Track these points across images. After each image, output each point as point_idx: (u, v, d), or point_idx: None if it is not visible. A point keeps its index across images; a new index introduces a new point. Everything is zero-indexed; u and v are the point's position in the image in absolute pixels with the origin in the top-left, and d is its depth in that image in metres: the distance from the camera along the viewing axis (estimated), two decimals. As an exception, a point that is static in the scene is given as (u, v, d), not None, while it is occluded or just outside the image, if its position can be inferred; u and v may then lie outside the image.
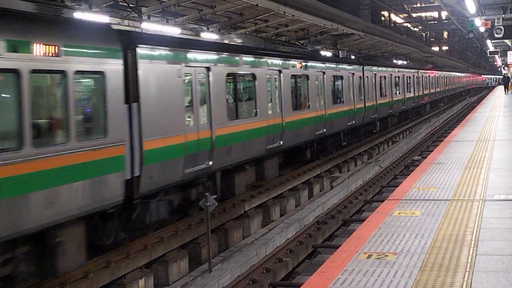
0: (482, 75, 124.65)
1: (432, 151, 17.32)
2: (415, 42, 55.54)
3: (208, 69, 12.81)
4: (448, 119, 39.95)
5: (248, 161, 14.96)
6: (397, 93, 33.59)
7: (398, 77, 33.98)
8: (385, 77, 30.52)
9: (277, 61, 16.79)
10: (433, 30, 78.75)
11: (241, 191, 15.08)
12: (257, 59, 15.45)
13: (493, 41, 36.56)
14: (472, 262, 6.00)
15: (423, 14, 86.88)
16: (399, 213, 8.29)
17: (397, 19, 74.20)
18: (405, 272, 5.82)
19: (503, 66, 72.47)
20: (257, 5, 20.18)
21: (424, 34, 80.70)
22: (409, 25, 75.14)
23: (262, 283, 9.78)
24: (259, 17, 22.91)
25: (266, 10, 21.58)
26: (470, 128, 21.04)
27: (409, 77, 37.37)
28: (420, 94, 41.47)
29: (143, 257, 10.58)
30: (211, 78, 12.90)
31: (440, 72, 54.58)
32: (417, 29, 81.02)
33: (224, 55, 13.76)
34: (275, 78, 16.61)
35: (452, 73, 65.76)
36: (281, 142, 16.53)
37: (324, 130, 20.36)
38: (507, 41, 36.86)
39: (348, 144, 24.70)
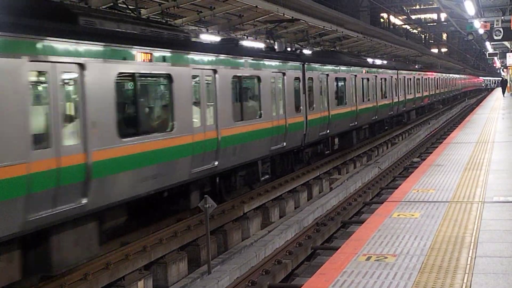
0: (480, 77, 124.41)
1: (431, 153, 17.35)
2: (414, 44, 55.60)
3: None
4: (447, 121, 39.98)
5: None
6: (366, 100, 26.34)
7: (367, 79, 26.77)
8: (344, 78, 23.08)
9: (77, 48, 8.95)
10: (432, 32, 78.84)
11: None
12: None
13: (492, 43, 36.64)
14: (472, 264, 6.00)
15: (422, 16, 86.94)
16: (399, 215, 8.30)
17: (396, 21, 74.26)
18: (405, 274, 5.83)
19: (502, 68, 72.58)
20: (256, 6, 20.20)
21: (423, 36, 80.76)
22: (408, 27, 75.20)
23: (261, 285, 9.77)
24: (258, 19, 22.93)
25: (265, 12, 21.60)
26: (469, 130, 21.07)
27: (385, 79, 30.36)
28: (401, 100, 34.27)
29: (142, 259, 10.58)
30: None
31: (429, 73, 47.32)
32: (416, 31, 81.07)
33: None
34: (70, 79, 9.00)
35: (444, 74, 59.20)
36: (84, 201, 8.89)
37: (216, 163, 12.86)
38: (506, 43, 36.96)
39: (275, 177, 17.31)
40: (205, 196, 10.56)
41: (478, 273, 5.73)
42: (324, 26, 26.84)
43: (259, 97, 15.32)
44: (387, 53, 45.90)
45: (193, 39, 14.28)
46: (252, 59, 15.08)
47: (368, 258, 6.35)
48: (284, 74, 16.95)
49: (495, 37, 25.12)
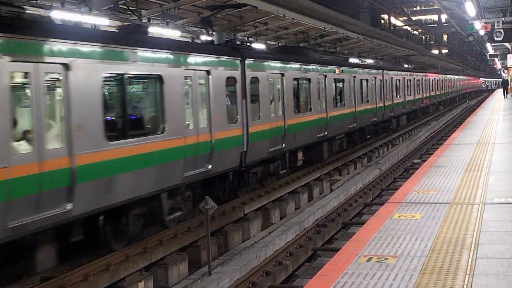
0: (480, 78, 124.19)
1: (432, 154, 17.32)
2: (415, 45, 55.57)
3: None
4: (448, 122, 39.98)
5: None
6: (340, 105, 22.75)
7: (342, 80, 22.98)
8: (309, 79, 19.17)
9: None
10: (433, 33, 78.86)
11: None
12: None
13: (492, 44, 36.66)
14: (472, 266, 5.99)
15: (422, 17, 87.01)
16: (399, 216, 8.29)
17: (396, 22, 74.30)
18: (405, 275, 5.82)
19: (502, 69, 72.58)
20: (257, 8, 20.20)
21: (424, 37, 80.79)
22: (408, 28, 75.22)
23: (262, 286, 9.76)
24: (259, 20, 22.93)
25: (266, 13, 21.60)
26: (470, 131, 21.05)
27: (366, 80, 26.85)
28: (387, 104, 30.80)
29: (142, 260, 10.58)
30: None
31: (422, 73, 43.64)
32: (416, 32, 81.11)
33: None
34: None
35: (440, 74, 56.03)
36: None
37: (69, 207, 8.74)
38: (507, 44, 36.99)
39: (198, 212, 12.63)
40: (206, 197, 10.54)
41: (479, 275, 5.73)
42: (324, 28, 26.83)
43: (162, 104, 11.11)
44: (387, 54, 45.89)
45: (28, 17, 8.85)
46: (147, 51, 10.77)
47: (369, 260, 6.35)
48: (208, 72, 12.88)
49: (496, 38, 25.14)
